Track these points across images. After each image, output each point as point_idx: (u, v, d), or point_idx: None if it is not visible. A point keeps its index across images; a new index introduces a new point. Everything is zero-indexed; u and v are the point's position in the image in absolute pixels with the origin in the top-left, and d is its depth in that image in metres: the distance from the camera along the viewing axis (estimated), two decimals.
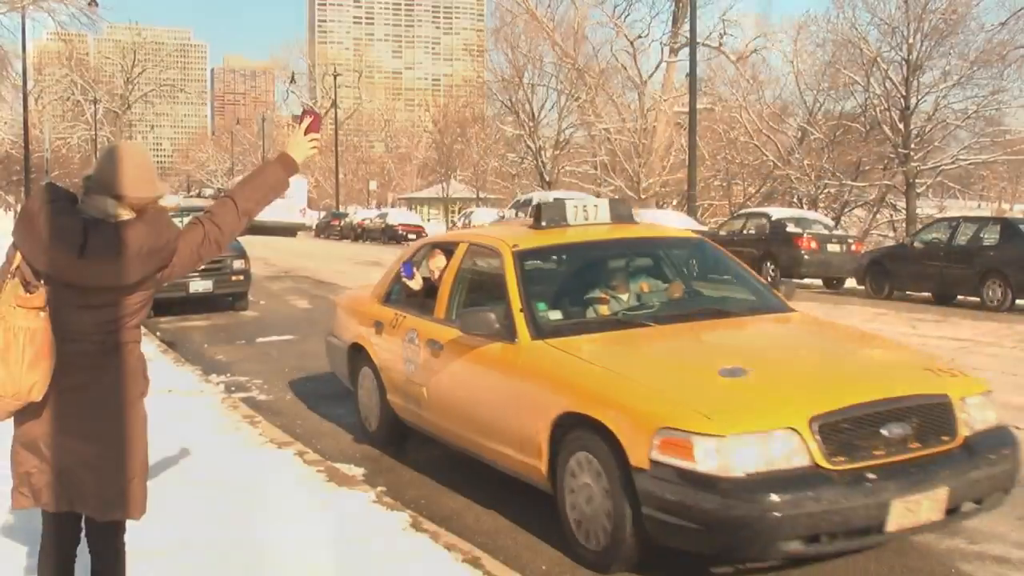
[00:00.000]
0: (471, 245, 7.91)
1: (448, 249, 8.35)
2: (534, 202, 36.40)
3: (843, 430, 5.21)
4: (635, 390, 5.57)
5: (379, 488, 7.21)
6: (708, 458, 5.01)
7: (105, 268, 3.78)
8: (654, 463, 5.18)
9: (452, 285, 7.71)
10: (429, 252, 8.82)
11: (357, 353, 8.99)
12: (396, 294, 8.83)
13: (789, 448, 5.08)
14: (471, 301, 7.49)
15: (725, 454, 5.01)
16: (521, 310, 6.67)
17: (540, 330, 6.56)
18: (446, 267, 8.09)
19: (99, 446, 3.90)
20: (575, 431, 5.80)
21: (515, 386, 6.41)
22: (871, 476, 5.10)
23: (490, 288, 7.40)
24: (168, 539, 5.70)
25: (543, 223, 7.63)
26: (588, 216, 7.75)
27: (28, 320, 3.75)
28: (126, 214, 3.83)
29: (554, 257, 7.80)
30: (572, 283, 7.54)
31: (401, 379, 8.04)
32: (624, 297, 7.26)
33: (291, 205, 56.55)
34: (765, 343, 6.78)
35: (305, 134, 4.30)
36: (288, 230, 56.12)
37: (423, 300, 8.31)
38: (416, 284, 8.71)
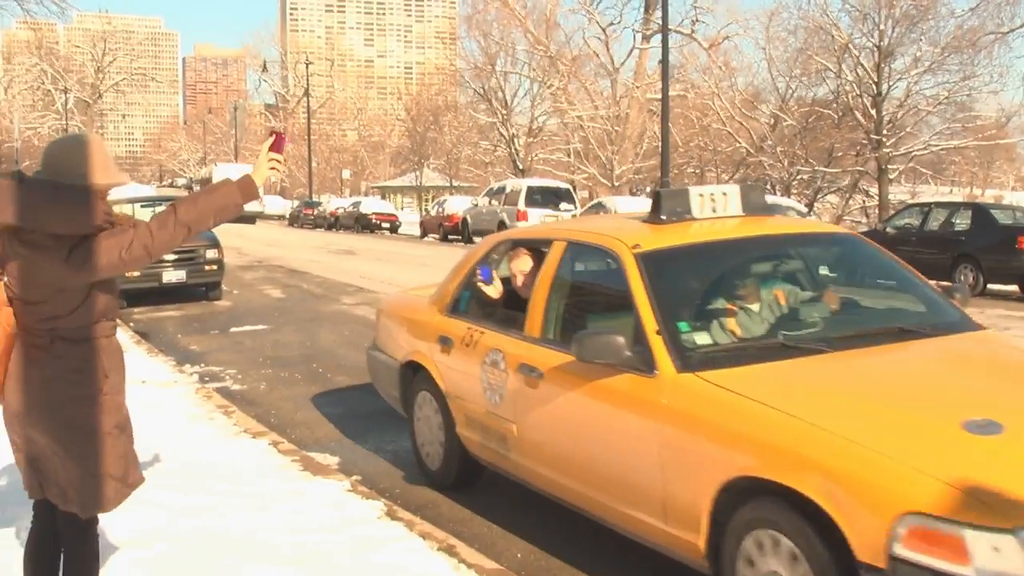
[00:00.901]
0: (571, 244, 6.33)
1: (536, 248, 6.93)
2: (507, 190, 36.61)
3: None
4: (856, 452, 4.04)
5: (354, 477, 7.19)
6: (988, 561, 3.61)
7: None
8: (897, 560, 3.78)
9: (548, 295, 6.17)
10: (509, 252, 7.25)
11: (414, 374, 7.48)
12: (466, 303, 7.21)
13: None
14: (574, 317, 6.08)
15: (1012, 557, 3.59)
16: (659, 332, 5.16)
17: (687, 360, 5.03)
18: (535, 271, 6.66)
19: (47, 440, 3.97)
20: (756, 501, 4.38)
21: (657, 434, 4.89)
22: None
23: (602, 301, 6.23)
24: (142, 529, 5.69)
25: (662, 216, 6.11)
26: (716, 207, 6.26)
27: None
28: None
29: (682, 260, 6.00)
30: (696, 292, 5.95)
31: (479, 411, 6.51)
32: (755, 308, 5.72)
33: None
34: (994, 379, 5.10)
35: (269, 151, 4.17)
36: (247, 218, 56.05)
37: (503, 311, 6.89)
38: (495, 291, 7.17)
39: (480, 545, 5.96)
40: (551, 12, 56.61)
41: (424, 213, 53.41)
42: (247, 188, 4.07)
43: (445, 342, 6.97)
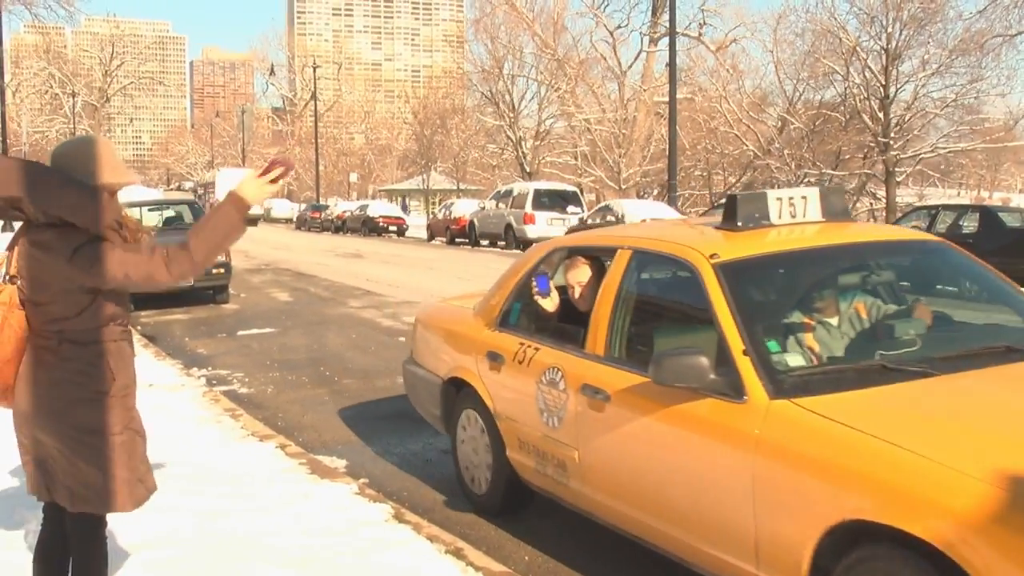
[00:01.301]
0: (636, 252, 5.76)
1: (596, 257, 6.44)
2: (514, 192, 36.64)
3: None
4: (1000, 498, 3.44)
5: (361, 480, 7.19)
6: None
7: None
8: None
9: (613, 309, 5.62)
10: (565, 260, 6.63)
11: (457, 391, 6.96)
12: (516, 315, 6.65)
13: None
14: (642, 333, 5.55)
15: None
16: (746, 353, 4.61)
17: (779, 384, 4.46)
18: (594, 282, 6.18)
19: (54, 441, 3.98)
20: (866, 548, 3.84)
21: (748, 468, 4.32)
22: None
23: (674, 316, 5.80)
24: (151, 532, 5.68)
25: (739, 222, 5.52)
26: (795, 212, 5.70)
27: None
28: None
29: (765, 271, 5.50)
30: (781, 306, 5.42)
31: (534, 434, 5.97)
32: (834, 322, 5.25)
33: None
34: None
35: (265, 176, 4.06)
36: (248, 221, 56.25)
37: (560, 326, 6.32)
38: (552, 304, 6.51)
39: (488, 548, 5.95)
40: (558, 15, 56.83)
41: (431, 216, 53.37)
42: (239, 204, 4.00)
43: (494, 358, 6.44)
